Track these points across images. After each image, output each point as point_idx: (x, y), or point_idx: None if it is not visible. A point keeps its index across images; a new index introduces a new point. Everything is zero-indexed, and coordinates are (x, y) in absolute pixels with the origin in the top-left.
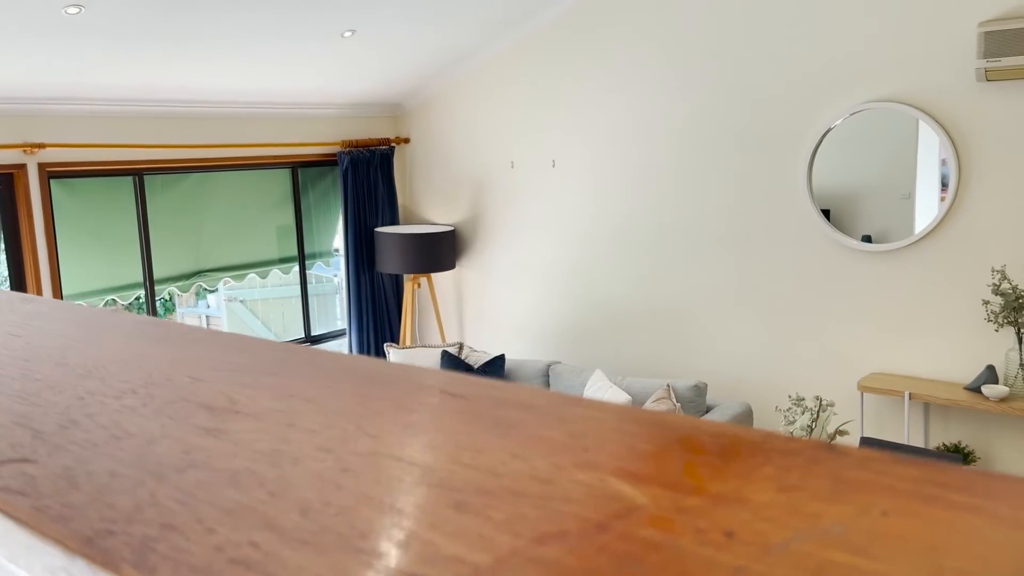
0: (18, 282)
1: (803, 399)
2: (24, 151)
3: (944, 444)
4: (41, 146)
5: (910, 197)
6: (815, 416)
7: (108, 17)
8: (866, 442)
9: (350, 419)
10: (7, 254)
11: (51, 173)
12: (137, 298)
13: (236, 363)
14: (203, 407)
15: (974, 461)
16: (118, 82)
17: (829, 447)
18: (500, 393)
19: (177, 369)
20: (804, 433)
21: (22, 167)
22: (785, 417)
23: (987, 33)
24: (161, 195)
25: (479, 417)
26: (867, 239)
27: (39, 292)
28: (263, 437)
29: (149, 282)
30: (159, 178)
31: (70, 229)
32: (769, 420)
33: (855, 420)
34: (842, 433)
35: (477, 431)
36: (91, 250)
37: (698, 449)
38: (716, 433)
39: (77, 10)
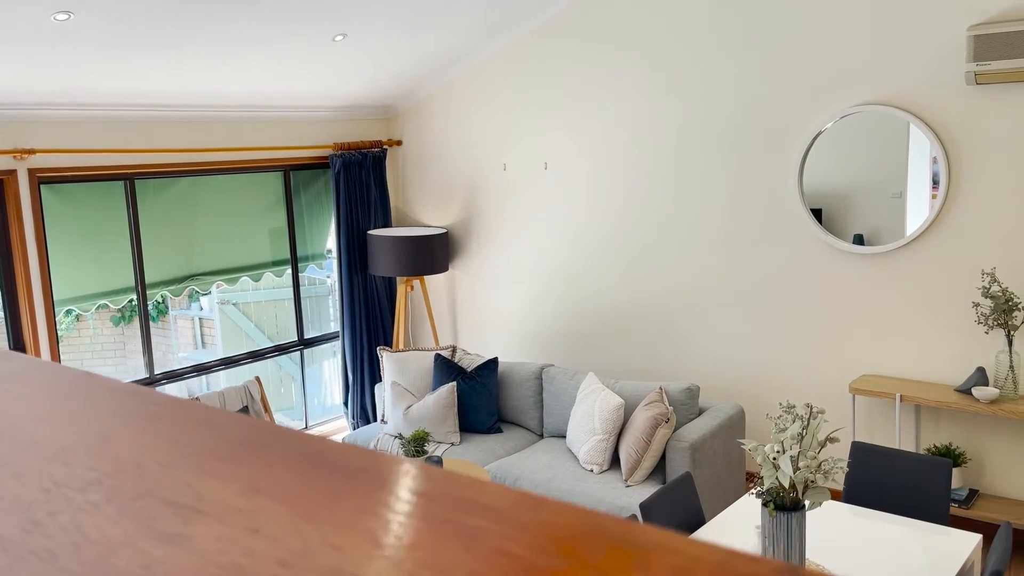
0: (8, 289)
1: (794, 407)
2: (14, 157)
3: (935, 446)
4: (31, 152)
5: (901, 196)
6: (806, 423)
7: (97, 23)
8: (857, 446)
9: (314, 524)
10: None
11: (41, 179)
12: (130, 301)
13: (207, 446)
14: (168, 504)
15: (964, 463)
16: (108, 87)
17: (791, 571)
18: (467, 493)
19: (146, 452)
20: (795, 442)
21: (12, 173)
22: (776, 425)
23: (976, 37)
24: (152, 199)
25: (444, 524)
26: (859, 238)
27: (29, 298)
28: (224, 547)
29: (141, 286)
30: (150, 182)
31: (61, 234)
32: (761, 424)
33: (846, 422)
34: (832, 440)
35: (440, 543)
36: (82, 255)
37: (658, 569)
38: (677, 550)
39: (66, 16)
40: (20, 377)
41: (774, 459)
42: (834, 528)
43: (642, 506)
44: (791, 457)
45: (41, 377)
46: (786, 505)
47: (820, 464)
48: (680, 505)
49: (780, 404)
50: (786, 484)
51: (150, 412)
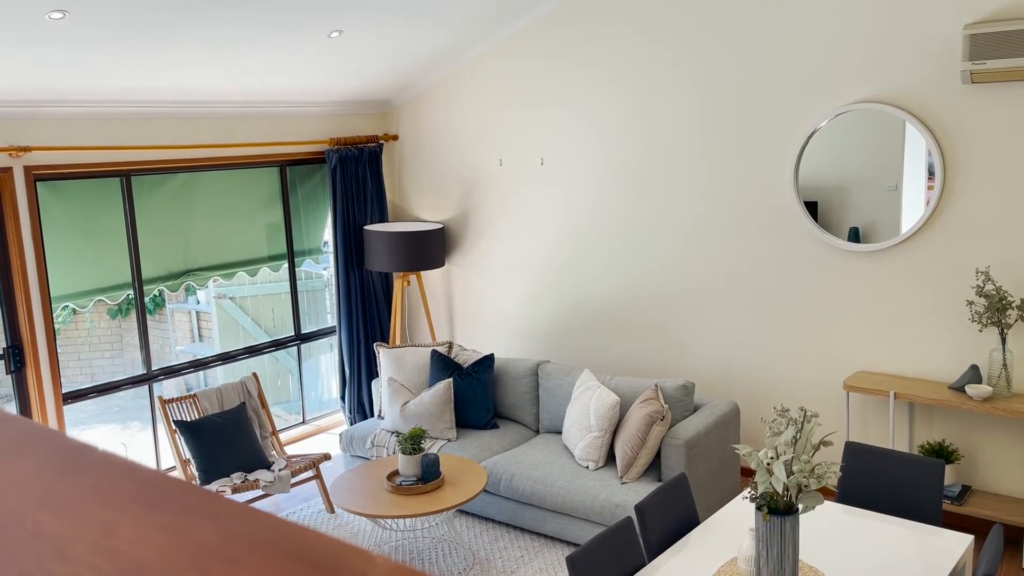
0: (5, 286)
1: (787, 410)
2: (9, 154)
3: (928, 443)
4: (27, 149)
5: (897, 188)
6: (799, 428)
7: (93, 21)
8: (851, 447)
9: None
10: None
11: (37, 176)
12: (127, 297)
13: (206, 542)
14: None
15: (957, 460)
16: (104, 84)
17: None
18: None
19: (147, 547)
20: (789, 447)
21: (8, 170)
22: (770, 428)
23: (972, 36)
24: (149, 195)
25: None
26: (854, 231)
27: (26, 295)
28: None
29: (138, 282)
30: (147, 179)
31: (58, 231)
32: (756, 421)
33: (841, 419)
34: (826, 444)
35: None
36: (79, 251)
37: None
38: None
39: (60, 15)
40: (20, 448)
41: (768, 464)
42: (827, 528)
43: (637, 508)
44: (784, 463)
45: (41, 449)
46: (780, 509)
47: (814, 468)
48: (675, 506)
49: (774, 408)
50: (780, 490)
51: (150, 497)
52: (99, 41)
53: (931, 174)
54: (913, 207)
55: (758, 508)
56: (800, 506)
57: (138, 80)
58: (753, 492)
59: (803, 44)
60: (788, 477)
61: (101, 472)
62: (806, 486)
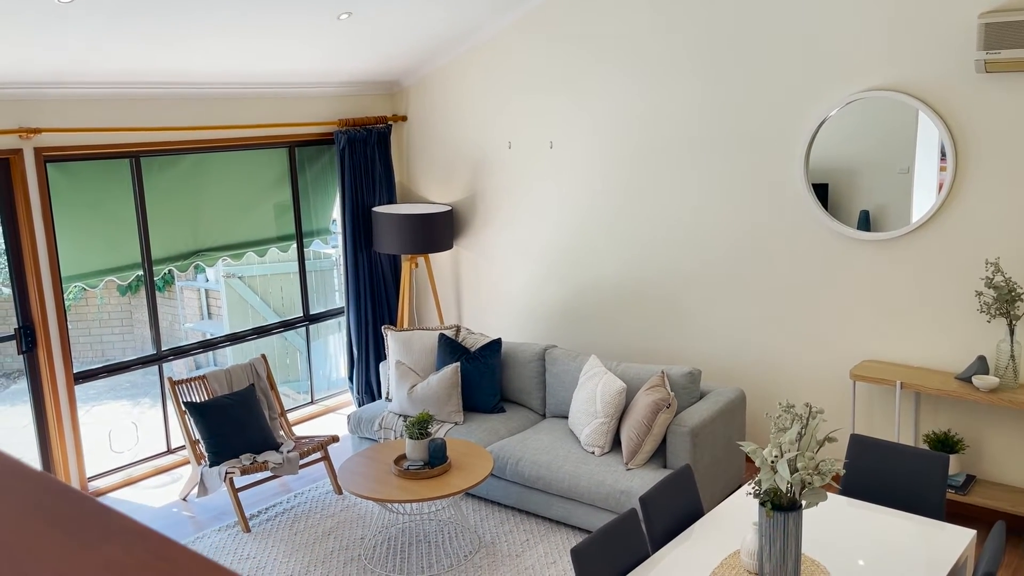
0: (16, 266)
1: (792, 406)
2: (20, 136)
3: (933, 432)
4: (37, 131)
5: (909, 171)
6: (804, 424)
7: (101, 2)
8: (856, 439)
9: None
10: (5, 239)
11: (47, 157)
12: (137, 276)
13: None
14: None
15: (962, 450)
16: (113, 66)
17: None
18: None
19: None
20: (794, 445)
21: (18, 152)
22: (775, 424)
23: (987, 25)
24: (158, 176)
25: None
26: (864, 215)
27: (37, 275)
28: None
29: (147, 262)
30: (156, 160)
31: (68, 212)
32: (762, 409)
33: (847, 408)
34: (831, 440)
35: None
36: (89, 232)
37: None
38: None
39: None
40: (43, 510)
41: (772, 462)
42: (831, 521)
43: (641, 499)
44: (789, 460)
45: (63, 511)
46: (783, 505)
47: (818, 465)
48: (679, 497)
49: (779, 404)
50: (783, 488)
51: (163, 572)
52: (108, 23)
53: (943, 155)
54: (924, 195)
55: (761, 504)
56: (803, 502)
57: (147, 62)
58: (757, 488)
59: (815, 31)
60: (792, 474)
61: (120, 541)
62: (810, 483)
